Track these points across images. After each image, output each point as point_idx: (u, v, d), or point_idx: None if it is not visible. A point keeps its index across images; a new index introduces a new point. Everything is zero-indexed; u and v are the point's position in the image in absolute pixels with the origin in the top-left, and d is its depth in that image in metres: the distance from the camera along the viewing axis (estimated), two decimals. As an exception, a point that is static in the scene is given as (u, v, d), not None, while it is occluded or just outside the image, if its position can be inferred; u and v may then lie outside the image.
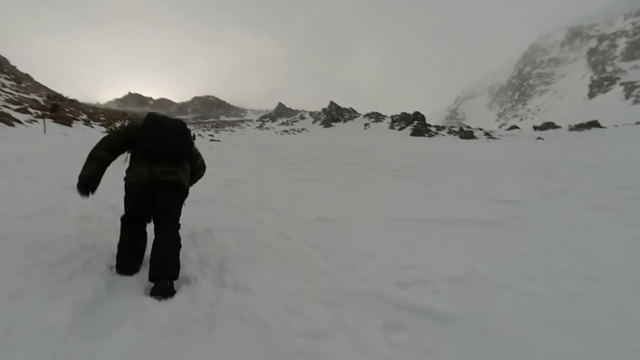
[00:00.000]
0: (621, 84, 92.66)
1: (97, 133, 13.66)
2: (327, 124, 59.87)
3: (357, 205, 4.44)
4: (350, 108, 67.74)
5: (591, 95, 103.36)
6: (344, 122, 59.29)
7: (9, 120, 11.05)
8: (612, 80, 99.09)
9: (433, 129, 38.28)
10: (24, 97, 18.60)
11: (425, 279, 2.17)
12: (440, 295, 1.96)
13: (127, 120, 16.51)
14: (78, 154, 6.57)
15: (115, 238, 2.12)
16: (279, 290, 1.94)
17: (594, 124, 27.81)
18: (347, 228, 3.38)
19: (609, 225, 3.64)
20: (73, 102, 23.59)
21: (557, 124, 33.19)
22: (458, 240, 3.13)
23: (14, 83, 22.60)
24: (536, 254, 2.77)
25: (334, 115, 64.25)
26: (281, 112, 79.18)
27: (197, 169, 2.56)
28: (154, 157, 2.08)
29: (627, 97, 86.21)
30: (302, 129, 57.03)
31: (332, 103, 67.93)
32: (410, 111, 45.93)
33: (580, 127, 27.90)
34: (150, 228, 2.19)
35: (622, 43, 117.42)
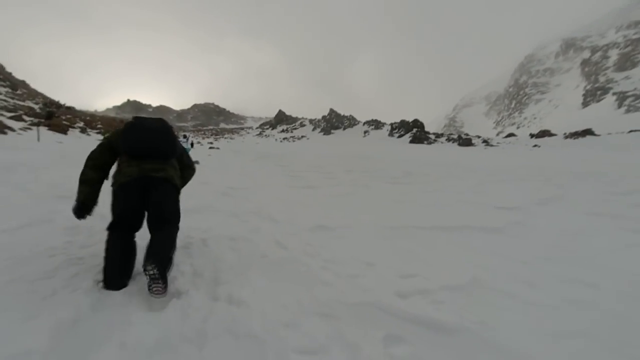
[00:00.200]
0: (613, 93, 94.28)
1: (93, 141, 13.59)
2: (327, 131, 60.24)
3: (357, 213, 4.38)
4: (350, 115, 68.33)
5: (585, 104, 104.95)
6: (344, 129, 59.70)
7: (1, 128, 10.98)
8: (605, 90, 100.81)
9: (432, 137, 38.59)
10: (19, 105, 18.55)
11: (426, 288, 2.12)
12: (441, 305, 1.91)
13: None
14: (72, 163, 6.53)
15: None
16: (275, 303, 1.86)
17: (588, 132, 28.15)
18: (347, 236, 3.31)
19: (608, 232, 3.62)
20: (70, 110, 23.54)
21: (552, 131, 33.57)
22: (458, 247, 3.08)
23: (10, 90, 22.52)
24: (537, 260, 2.74)
25: (333, 122, 64.70)
26: (281, 119, 79.60)
27: (184, 168, 2.46)
28: (139, 155, 2.06)
29: (619, 106, 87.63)
30: (302, 136, 57.29)
31: (331, 110, 68.49)
32: (410, 119, 46.41)
33: (575, 135, 28.21)
34: (140, 237, 2.10)
35: (614, 54, 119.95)
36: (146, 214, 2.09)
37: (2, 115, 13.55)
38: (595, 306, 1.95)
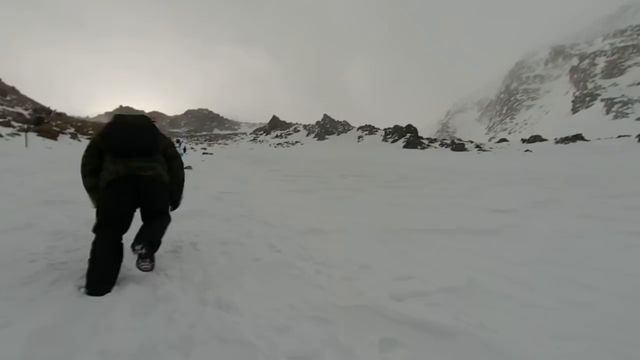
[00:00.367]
0: (602, 100, 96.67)
1: (84, 146, 13.38)
2: (321, 136, 60.44)
3: (351, 217, 4.34)
4: (344, 121, 68.74)
5: (574, 110, 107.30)
6: (338, 134, 59.96)
7: (-13, 135, 10.74)
8: (593, 97, 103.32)
9: (425, 142, 38.98)
10: (8, 111, 18.22)
11: (422, 291, 2.08)
12: (438, 307, 1.86)
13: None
14: (60, 168, 6.39)
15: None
16: (267, 307, 1.79)
17: (578, 137, 28.76)
18: (341, 239, 3.26)
19: (602, 234, 3.65)
20: (61, 116, 23.21)
21: (543, 137, 34.19)
22: (454, 249, 3.05)
23: (-2, 96, 22.16)
24: (533, 262, 2.73)
25: (327, 128, 65.00)
26: (275, 125, 79.70)
27: (169, 159, 2.35)
28: (124, 152, 2.03)
29: (607, 112, 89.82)
30: (296, 141, 57.37)
31: (325, 116, 68.86)
32: (403, 124, 46.84)
33: (565, 140, 28.79)
34: (126, 240, 2.02)
35: (601, 62, 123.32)
36: (139, 211, 2.11)
37: (-11, 121, 13.27)
38: (594, 307, 1.93)
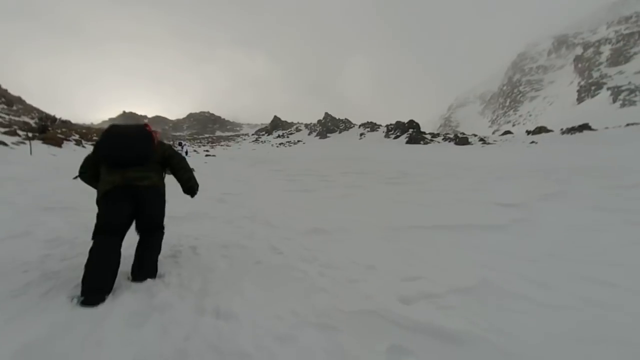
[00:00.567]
0: (608, 88, 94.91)
1: (88, 152, 13.46)
2: (322, 135, 60.35)
3: (355, 215, 4.24)
4: (345, 119, 68.54)
5: (580, 100, 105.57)
6: (340, 132, 59.81)
7: (-8, 144, 10.78)
8: (599, 85, 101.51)
9: (428, 137, 38.62)
10: (14, 120, 18.39)
11: (432, 292, 1.96)
12: (449, 311, 1.75)
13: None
14: (63, 175, 6.37)
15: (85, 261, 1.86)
16: (268, 314, 1.70)
17: (585, 126, 28.18)
18: (345, 239, 3.16)
19: (616, 226, 3.49)
20: (66, 123, 23.42)
21: (548, 128, 33.61)
22: (462, 247, 2.94)
23: (5, 106, 22.39)
24: (546, 258, 2.60)
25: (329, 126, 64.86)
26: (277, 125, 79.73)
27: (176, 171, 2.35)
28: (119, 163, 2.01)
29: (614, 100, 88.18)
30: (298, 141, 57.35)
31: (327, 114, 68.72)
32: (405, 120, 46.49)
33: (572, 130, 28.24)
34: (125, 248, 1.96)
35: (606, 50, 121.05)
36: (135, 220, 2.09)
37: (-4, 131, 13.36)
38: (617, 307, 1.79)
